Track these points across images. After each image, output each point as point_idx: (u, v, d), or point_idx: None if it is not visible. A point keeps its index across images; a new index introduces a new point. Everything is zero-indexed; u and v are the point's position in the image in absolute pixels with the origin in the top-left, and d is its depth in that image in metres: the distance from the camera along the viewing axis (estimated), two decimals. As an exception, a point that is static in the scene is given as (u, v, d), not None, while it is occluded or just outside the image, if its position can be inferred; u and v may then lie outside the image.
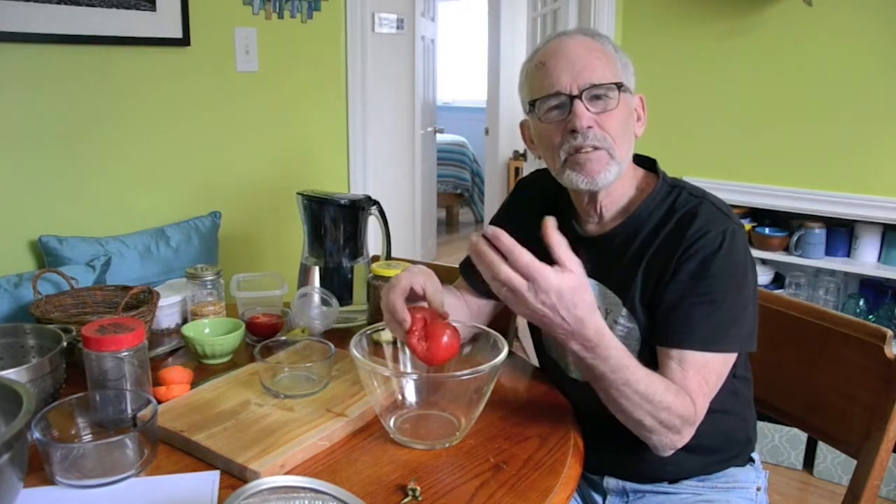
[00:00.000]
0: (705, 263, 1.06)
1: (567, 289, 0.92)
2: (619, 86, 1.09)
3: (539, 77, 1.12)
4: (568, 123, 1.09)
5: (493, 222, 1.37)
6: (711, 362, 1.06)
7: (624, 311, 1.13)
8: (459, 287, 1.36)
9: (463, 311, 1.31)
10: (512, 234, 1.31)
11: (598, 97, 1.09)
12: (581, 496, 1.27)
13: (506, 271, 0.91)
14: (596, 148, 1.10)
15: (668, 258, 1.09)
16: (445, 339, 1.03)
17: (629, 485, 1.22)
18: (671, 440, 1.04)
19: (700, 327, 1.05)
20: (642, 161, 1.21)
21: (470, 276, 1.36)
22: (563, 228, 1.21)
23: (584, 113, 1.08)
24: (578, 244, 1.18)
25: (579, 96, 1.08)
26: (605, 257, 1.16)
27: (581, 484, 1.26)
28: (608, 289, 1.15)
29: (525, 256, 0.91)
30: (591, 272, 1.16)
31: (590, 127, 1.08)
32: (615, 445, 1.17)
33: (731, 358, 1.08)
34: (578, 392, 1.18)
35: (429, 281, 1.09)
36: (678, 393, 1.02)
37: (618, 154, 1.11)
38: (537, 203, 1.27)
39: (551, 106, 1.11)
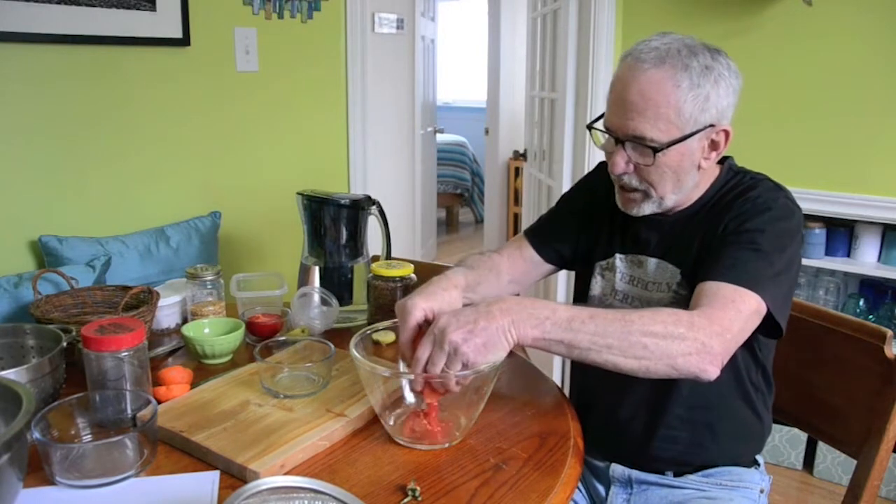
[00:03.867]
0: (753, 218, 1.08)
1: (444, 318, 0.98)
2: (656, 149, 1.08)
3: (608, 96, 1.14)
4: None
5: (565, 197, 1.41)
6: (745, 297, 1.02)
7: (679, 278, 1.16)
8: (521, 246, 1.36)
9: (518, 266, 1.34)
10: (584, 206, 1.32)
11: (641, 145, 1.10)
12: (585, 487, 1.28)
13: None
14: (633, 188, 1.15)
15: (721, 220, 1.12)
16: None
17: (635, 473, 1.22)
18: (697, 352, 0.96)
19: (740, 268, 1.04)
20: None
21: (537, 240, 1.36)
22: (629, 214, 1.22)
23: (619, 161, 1.12)
24: (642, 226, 1.22)
25: (623, 142, 1.11)
26: (671, 236, 1.19)
27: (585, 474, 1.27)
28: (669, 263, 1.18)
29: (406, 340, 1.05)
30: (655, 251, 1.20)
31: (625, 172, 1.13)
32: (626, 423, 1.20)
33: (762, 309, 1.04)
34: (587, 374, 1.20)
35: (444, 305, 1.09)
36: (662, 309, 1.01)
37: (657, 194, 1.14)
38: (603, 187, 1.28)
39: (606, 133, 1.15)
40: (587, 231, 1.31)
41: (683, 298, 1.13)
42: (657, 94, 1.06)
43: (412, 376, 1.01)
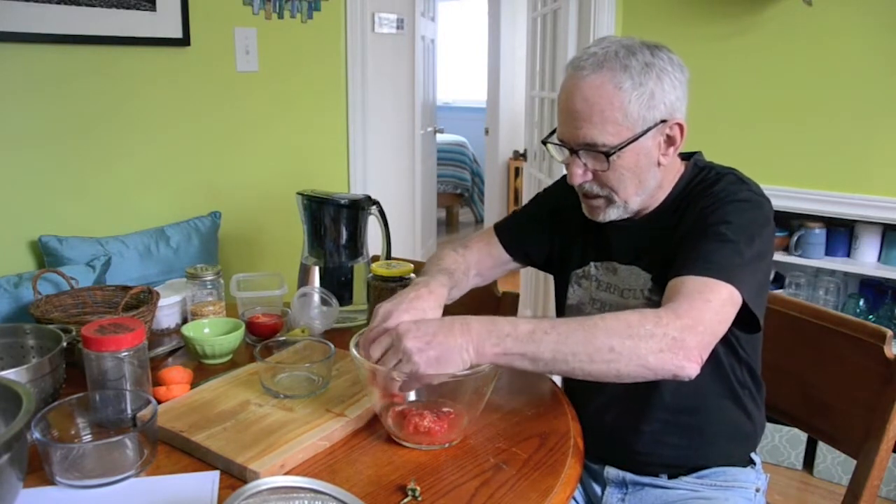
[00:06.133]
0: (717, 210, 1.07)
1: (405, 325, 0.99)
2: (608, 154, 1.08)
3: (557, 109, 1.14)
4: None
5: (539, 199, 1.40)
6: (713, 287, 0.99)
7: (650, 284, 1.15)
8: (490, 243, 1.37)
9: (485, 262, 1.35)
10: (556, 213, 1.32)
11: (594, 151, 1.10)
12: (582, 487, 1.28)
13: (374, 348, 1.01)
14: (595, 195, 1.15)
15: (686, 218, 1.11)
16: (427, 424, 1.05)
17: (629, 476, 1.22)
18: (669, 348, 0.93)
19: (706, 259, 1.02)
20: (687, 154, 1.23)
21: (506, 238, 1.36)
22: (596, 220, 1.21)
23: (577, 171, 1.12)
24: (613, 232, 1.21)
25: (576, 152, 1.11)
26: (640, 241, 1.18)
27: (582, 475, 1.27)
28: (641, 269, 1.17)
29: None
30: (626, 257, 1.20)
31: (585, 181, 1.13)
32: (614, 431, 1.20)
33: (736, 298, 1.00)
34: (573, 380, 1.20)
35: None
36: (627, 311, 0.98)
37: (619, 198, 1.14)
38: (575, 193, 1.26)
39: (560, 146, 1.15)
40: (559, 238, 1.31)
41: (656, 304, 1.11)
42: (600, 99, 1.06)
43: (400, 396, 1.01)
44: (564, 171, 1.17)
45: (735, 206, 1.08)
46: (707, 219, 1.08)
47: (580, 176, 1.12)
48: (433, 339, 0.95)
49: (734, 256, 1.03)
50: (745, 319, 1.04)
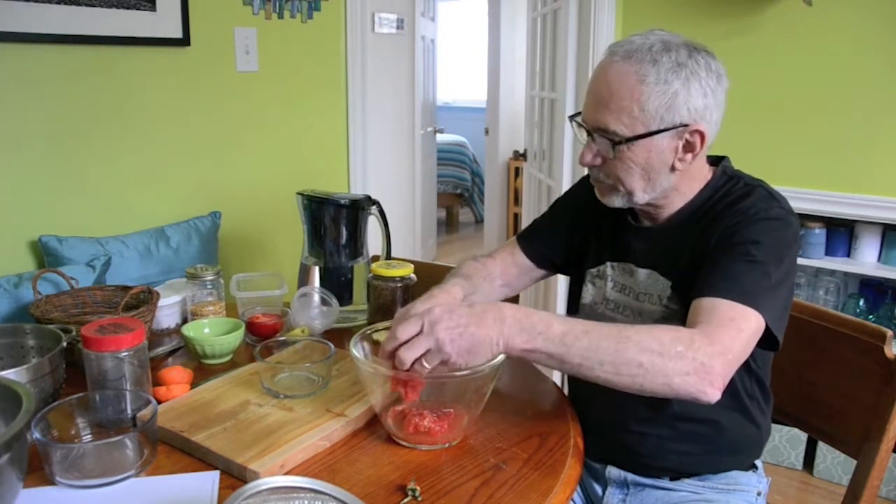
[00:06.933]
0: (747, 228, 1.06)
1: (438, 310, 0.96)
2: (616, 143, 1.07)
3: (586, 92, 1.15)
4: None
5: (557, 202, 1.40)
6: (745, 315, 0.99)
7: (669, 291, 1.14)
8: (513, 252, 1.37)
9: (510, 271, 1.35)
10: (574, 213, 1.32)
11: (605, 138, 1.09)
12: (582, 487, 1.28)
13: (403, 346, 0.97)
14: (601, 181, 1.15)
15: (713, 231, 1.09)
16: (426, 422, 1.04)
17: (630, 476, 1.22)
18: (696, 372, 0.93)
19: (736, 282, 1.01)
20: (715, 159, 1.21)
21: (528, 245, 1.36)
22: (619, 221, 1.23)
23: (587, 153, 1.12)
24: (632, 234, 1.21)
25: (591, 134, 1.11)
26: (660, 246, 1.17)
27: (583, 474, 1.27)
28: (660, 274, 1.16)
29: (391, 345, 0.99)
30: (644, 260, 1.18)
31: (592, 164, 1.13)
32: (618, 433, 1.19)
33: (762, 326, 1.00)
34: (579, 382, 1.20)
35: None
36: (660, 326, 0.98)
37: (625, 189, 1.13)
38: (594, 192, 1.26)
39: (580, 125, 1.15)
40: (577, 238, 1.31)
41: (675, 313, 1.12)
42: (621, 87, 1.05)
43: (415, 376, 1.00)
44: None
45: (765, 224, 1.06)
46: (735, 236, 1.06)
47: (588, 158, 1.12)
48: (465, 329, 0.94)
49: (763, 279, 1.02)
50: (766, 338, 1.03)
